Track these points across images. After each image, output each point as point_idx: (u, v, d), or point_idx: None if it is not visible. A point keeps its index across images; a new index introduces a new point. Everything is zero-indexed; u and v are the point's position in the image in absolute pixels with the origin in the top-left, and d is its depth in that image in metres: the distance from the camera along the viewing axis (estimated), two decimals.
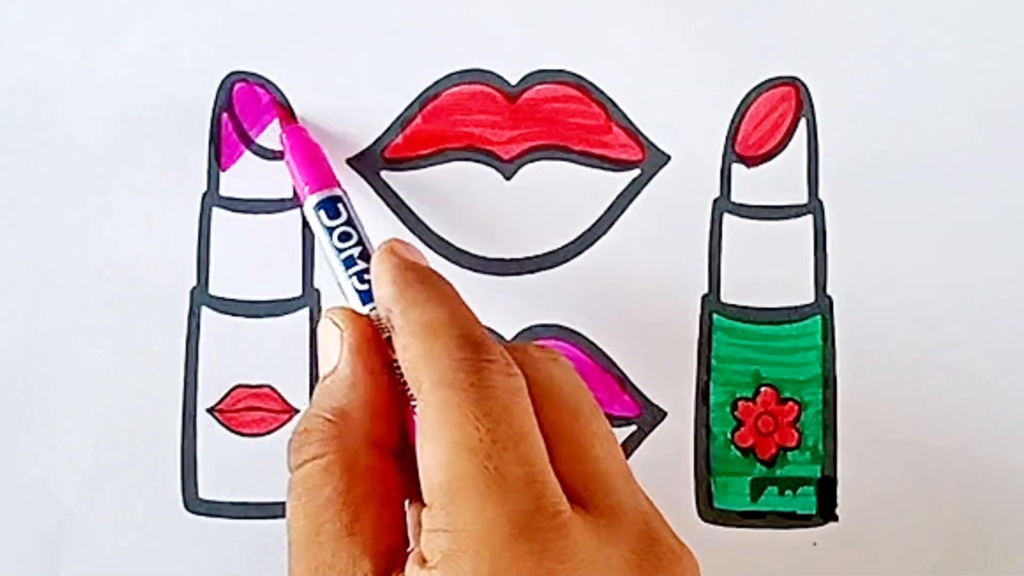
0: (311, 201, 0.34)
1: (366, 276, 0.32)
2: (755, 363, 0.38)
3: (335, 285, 0.33)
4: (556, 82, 0.38)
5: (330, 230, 0.33)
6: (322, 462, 0.29)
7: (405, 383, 0.30)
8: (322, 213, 0.34)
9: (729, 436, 0.38)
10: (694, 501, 0.38)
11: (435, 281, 0.30)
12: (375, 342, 0.31)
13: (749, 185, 0.38)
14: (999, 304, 0.38)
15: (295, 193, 0.37)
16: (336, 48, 0.37)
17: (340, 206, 0.34)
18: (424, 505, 0.27)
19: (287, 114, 0.37)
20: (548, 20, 0.38)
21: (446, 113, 0.37)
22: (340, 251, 0.33)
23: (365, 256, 0.33)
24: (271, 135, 0.38)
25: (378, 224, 0.37)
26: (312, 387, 0.37)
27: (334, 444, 0.29)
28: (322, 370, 0.31)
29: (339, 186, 0.35)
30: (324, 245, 0.34)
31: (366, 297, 0.32)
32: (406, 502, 0.30)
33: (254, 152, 0.38)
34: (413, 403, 0.29)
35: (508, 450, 0.26)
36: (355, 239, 0.33)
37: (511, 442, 0.26)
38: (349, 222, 0.34)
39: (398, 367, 0.30)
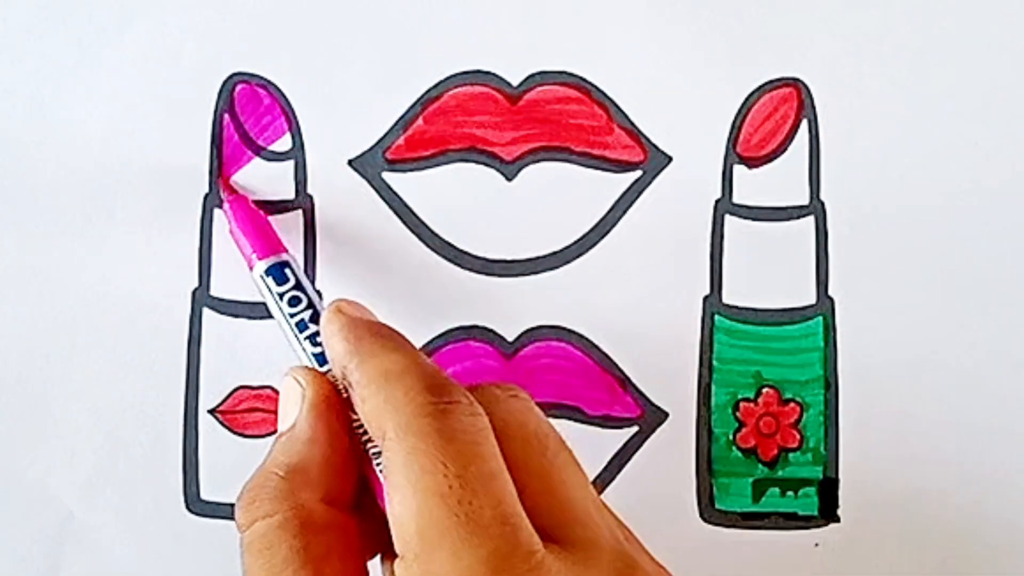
0: (259, 268, 0.34)
1: (318, 339, 0.32)
2: (757, 364, 0.38)
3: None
4: (558, 83, 0.38)
5: (280, 295, 0.34)
6: (275, 519, 0.28)
7: (366, 441, 0.30)
8: (270, 279, 0.34)
9: (731, 437, 0.38)
10: (695, 502, 0.38)
11: (388, 332, 0.30)
12: (335, 401, 0.31)
13: (751, 186, 0.38)
14: (1000, 305, 0.38)
15: (297, 192, 0.37)
16: (338, 49, 0.37)
17: (287, 271, 0.34)
18: (392, 558, 0.27)
19: (227, 183, 0.37)
20: (550, 21, 0.38)
21: (448, 114, 0.37)
22: (291, 316, 0.33)
23: (315, 319, 0.33)
24: (272, 135, 0.38)
25: (380, 226, 0.37)
26: None
27: (288, 501, 0.29)
28: (280, 427, 0.31)
29: (286, 251, 0.35)
30: (275, 311, 0.34)
31: (321, 359, 0.32)
32: (372, 557, 0.30)
33: (255, 153, 0.38)
34: (376, 461, 0.30)
35: (478, 493, 0.26)
36: (304, 303, 0.34)
37: (480, 484, 0.26)
38: (298, 286, 0.34)
39: (359, 427, 0.30)
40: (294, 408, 0.31)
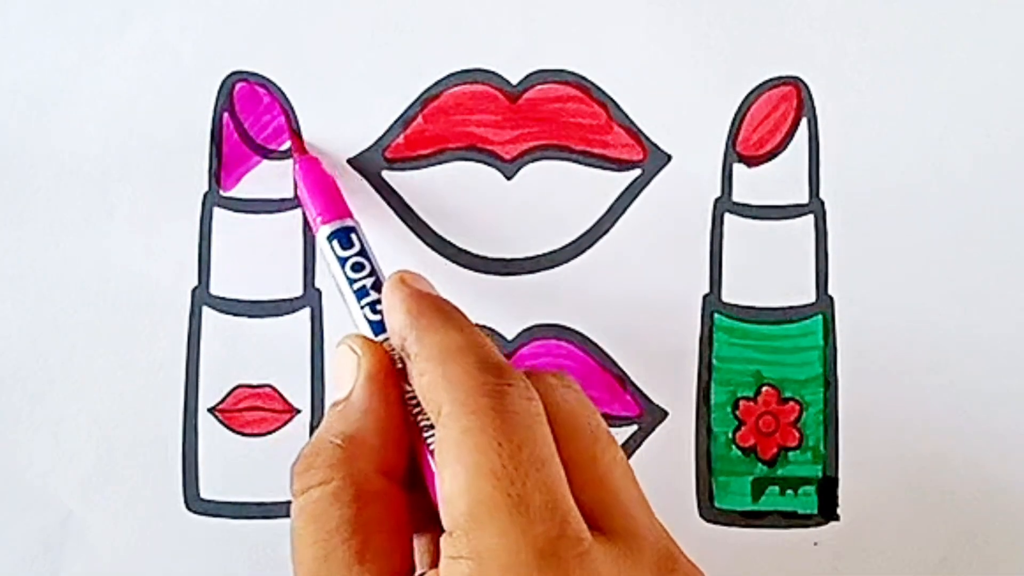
0: (324, 231, 0.34)
1: (378, 307, 0.32)
2: (756, 363, 0.38)
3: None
4: (557, 82, 0.38)
5: (343, 260, 0.33)
6: (330, 487, 0.28)
7: (418, 414, 0.30)
8: (335, 243, 0.34)
9: (730, 436, 0.38)
10: (695, 501, 0.38)
11: (449, 308, 0.30)
12: (390, 371, 0.30)
13: (750, 185, 0.38)
14: (1000, 304, 0.38)
15: (295, 193, 0.37)
16: (337, 48, 0.37)
17: (353, 236, 0.34)
18: (437, 533, 0.27)
19: (300, 144, 0.37)
20: (549, 20, 0.38)
21: (447, 113, 0.37)
22: (352, 281, 0.33)
23: (377, 287, 0.33)
24: (272, 134, 0.38)
25: (379, 224, 0.37)
26: (314, 386, 0.37)
27: (343, 469, 0.29)
28: (334, 395, 0.31)
29: (352, 217, 0.35)
30: (336, 275, 0.33)
31: (378, 328, 0.32)
32: (419, 532, 0.30)
33: (255, 152, 0.38)
34: (427, 434, 0.29)
35: (530, 476, 0.26)
36: (368, 270, 0.33)
37: (533, 468, 0.26)
38: (362, 252, 0.34)
39: (411, 398, 0.30)
40: (350, 376, 0.30)
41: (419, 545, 0.30)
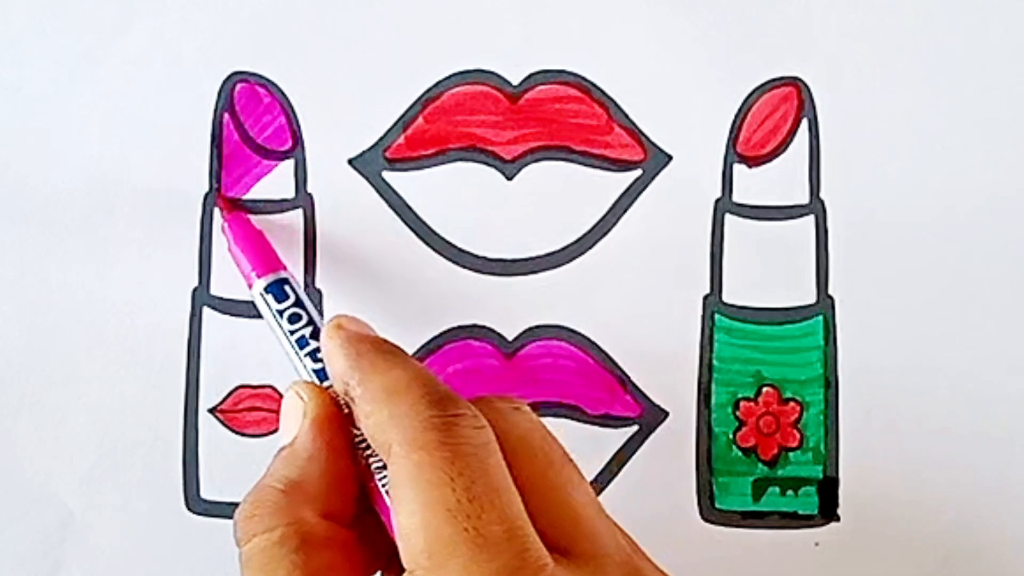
0: (259, 285, 0.34)
1: (319, 355, 0.32)
2: (757, 363, 0.38)
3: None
4: (558, 82, 0.38)
5: (279, 312, 0.34)
6: (275, 535, 0.28)
7: (367, 456, 0.30)
8: (270, 296, 0.34)
9: (731, 436, 0.38)
10: (696, 501, 0.38)
11: (389, 347, 0.30)
12: (336, 416, 0.31)
13: (751, 185, 0.38)
14: (1000, 304, 0.38)
15: (297, 191, 0.37)
16: (338, 48, 0.37)
17: (287, 288, 0.34)
18: (392, 573, 0.27)
19: (227, 203, 0.37)
20: (550, 20, 0.38)
21: (448, 113, 0.37)
22: (292, 332, 0.33)
23: (316, 335, 0.33)
24: (272, 134, 0.38)
25: (379, 224, 0.37)
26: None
27: (286, 516, 0.28)
28: (281, 441, 0.31)
29: (285, 269, 0.35)
30: (274, 328, 0.34)
31: (322, 375, 0.32)
32: (372, 575, 0.30)
33: (255, 152, 0.38)
34: (379, 476, 0.29)
35: (486, 508, 0.26)
36: (305, 319, 0.34)
37: (488, 499, 0.26)
38: (298, 303, 0.34)
39: (360, 442, 0.30)
40: (295, 423, 0.30)
41: None
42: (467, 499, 0.26)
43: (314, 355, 0.33)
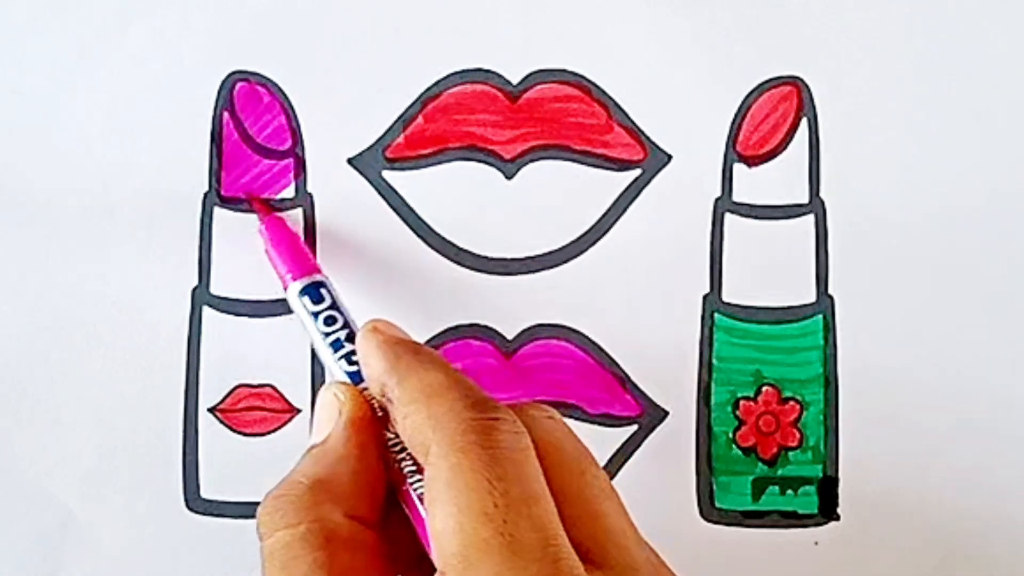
0: (294, 288, 0.34)
1: (354, 358, 0.32)
2: (756, 362, 0.38)
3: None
4: (557, 82, 0.38)
5: (315, 315, 0.34)
6: (299, 530, 0.28)
7: (399, 460, 0.30)
8: (306, 299, 0.34)
9: (730, 436, 0.38)
10: (695, 501, 0.38)
11: (425, 351, 0.30)
12: (370, 419, 0.30)
13: (750, 185, 0.38)
14: (1000, 303, 0.38)
15: (297, 191, 0.37)
16: (338, 47, 0.37)
17: (323, 291, 0.34)
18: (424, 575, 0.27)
19: (264, 204, 0.37)
20: (549, 20, 0.38)
21: (447, 112, 0.37)
22: (327, 335, 0.33)
23: (351, 338, 0.33)
24: (272, 134, 0.38)
25: (379, 224, 0.37)
26: (314, 386, 0.37)
27: (312, 513, 0.28)
28: (312, 439, 0.31)
29: (320, 272, 0.35)
30: (310, 330, 0.34)
31: (355, 378, 0.32)
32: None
33: (255, 151, 0.38)
34: (411, 480, 0.29)
35: (522, 514, 0.26)
36: (340, 322, 0.34)
37: (525, 505, 0.26)
38: (333, 306, 0.34)
39: (392, 445, 0.30)
40: (329, 422, 0.30)
41: None
42: (504, 504, 0.26)
43: (348, 358, 0.33)
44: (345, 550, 0.28)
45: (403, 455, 0.30)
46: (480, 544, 0.25)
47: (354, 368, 0.32)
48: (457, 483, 0.26)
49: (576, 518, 0.27)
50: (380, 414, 0.31)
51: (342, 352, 0.33)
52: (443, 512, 0.26)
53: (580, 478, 0.28)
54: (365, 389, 0.31)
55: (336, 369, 0.33)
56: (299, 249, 0.36)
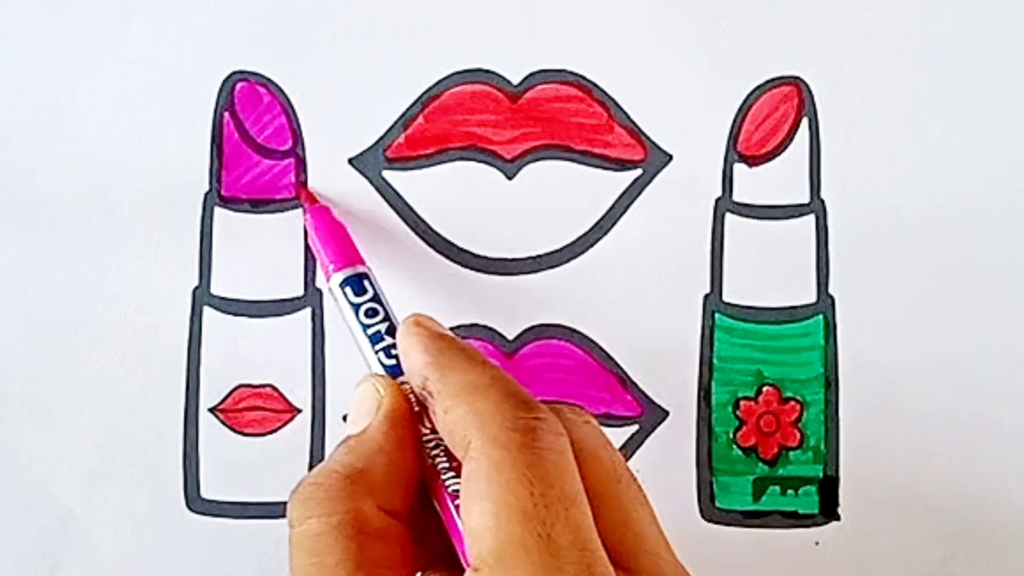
0: (336, 279, 0.34)
1: (393, 351, 0.32)
2: (757, 362, 0.38)
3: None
4: (558, 82, 0.38)
5: (356, 306, 0.33)
6: (332, 520, 0.28)
7: (434, 456, 0.30)
8: (348, 290, 0.34)
9: (731, 436, 0.38)
10: (696, 501, 0.38)
11: (468, 347, 0.30)
12: (408, 413, 0.30)
13: (751, 185, 0.38)
14: (1000, 302, 0.38)
15: (298, 193, 0.37)
16: (338, 47, 0.37)
17: (366, 283, 0.34)
18: (439, 573, 0.27)
19: (310, 194, 0.37)
20: (550, 20, 0.38)
21: (448, 113, 0.37)
22: (366, 327, 0.33)
23: (392, 331, 0.33)
24: (273, 134, 0.38)
25: (379, 224, 0.37)
26: (314, 386, 0.37)
27: (346, 502, 0.28)
28: (349, 430, 0.30)
29: (364, 264, 0.35)
30: (350, 321, 0.33)
31: (394, 371, 0.32)
32: (422, 571, 0.30)
33: (255, 151, 0.38)
34: (444, 476, 0.29)
35: (560, 515, 0.26)
36: (382, 315, 0.33)
37: (562, 506, 0.26)
38: (375, 298, 0.34)
39: (428, 441, 0.30)
40: (368, 414, 0.30)
41: None
42: (543, 504, 0.26)
43: (388, 351, 0.32)
44: (376, 542, 0.28)
45: (438, 451, 0.30)
46: (516, 542, 0.25)
47: (392, 361, 0.32)
48: (498, 479, 0.26)
49: (610, 523, 0.27)
50: (416, 409, 0.30)
51: (381, 345, 0.33)
52: (480, 508, 0.26)
53: (616, 484, 0.28)
54: (403, 383, 0.31)
55: (374, 361, 0.32)
56: (343, 240, 0.35)
